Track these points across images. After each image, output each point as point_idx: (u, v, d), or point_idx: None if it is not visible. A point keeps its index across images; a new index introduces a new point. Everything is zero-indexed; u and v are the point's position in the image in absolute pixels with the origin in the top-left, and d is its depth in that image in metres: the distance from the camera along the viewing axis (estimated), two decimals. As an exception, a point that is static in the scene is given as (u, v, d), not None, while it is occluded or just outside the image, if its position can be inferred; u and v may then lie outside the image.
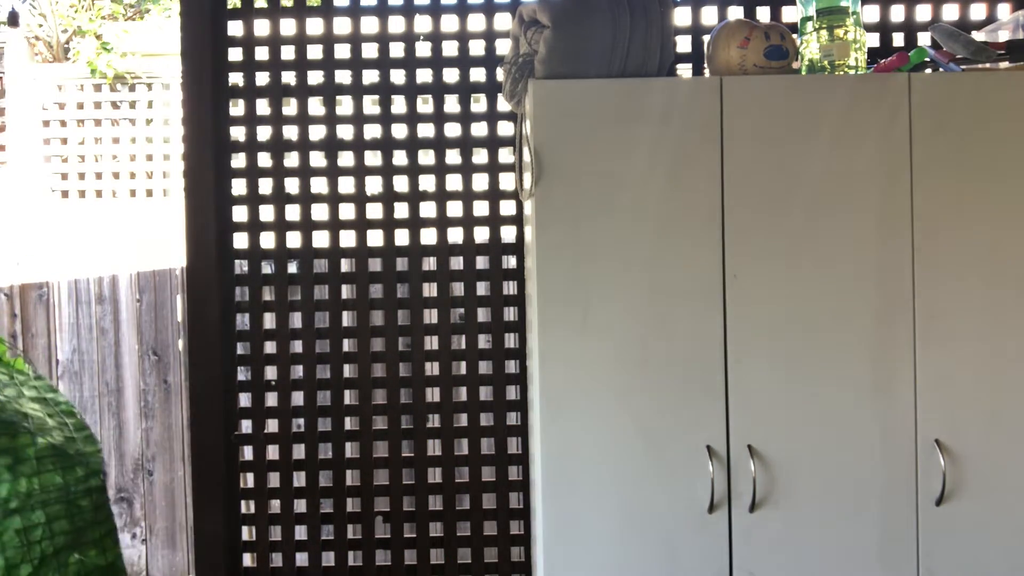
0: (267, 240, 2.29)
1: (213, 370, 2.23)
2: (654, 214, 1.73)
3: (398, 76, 2.31)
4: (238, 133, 2.29)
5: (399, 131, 2.29)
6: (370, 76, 2.30)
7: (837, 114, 1.75)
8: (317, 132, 2.29)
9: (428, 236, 2.29)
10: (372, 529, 2.28)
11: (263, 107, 2.29)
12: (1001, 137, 1.76)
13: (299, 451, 2.29)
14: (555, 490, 1.73)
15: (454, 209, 2.29)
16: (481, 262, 2.29)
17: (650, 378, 1.73)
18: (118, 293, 3.47)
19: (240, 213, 2.29)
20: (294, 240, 2.29)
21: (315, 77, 2.30)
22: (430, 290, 2.29)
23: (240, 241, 2.29)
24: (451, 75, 2.32)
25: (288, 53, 2.28)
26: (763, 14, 2.29)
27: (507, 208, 2.30)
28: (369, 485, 2.28)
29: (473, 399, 2.27)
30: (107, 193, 4.90)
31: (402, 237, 2.28)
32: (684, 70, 2.34)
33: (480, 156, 2.31)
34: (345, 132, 2.29)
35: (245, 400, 2.35)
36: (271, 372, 2.31)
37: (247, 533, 2.35)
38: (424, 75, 2.31)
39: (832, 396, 1.74)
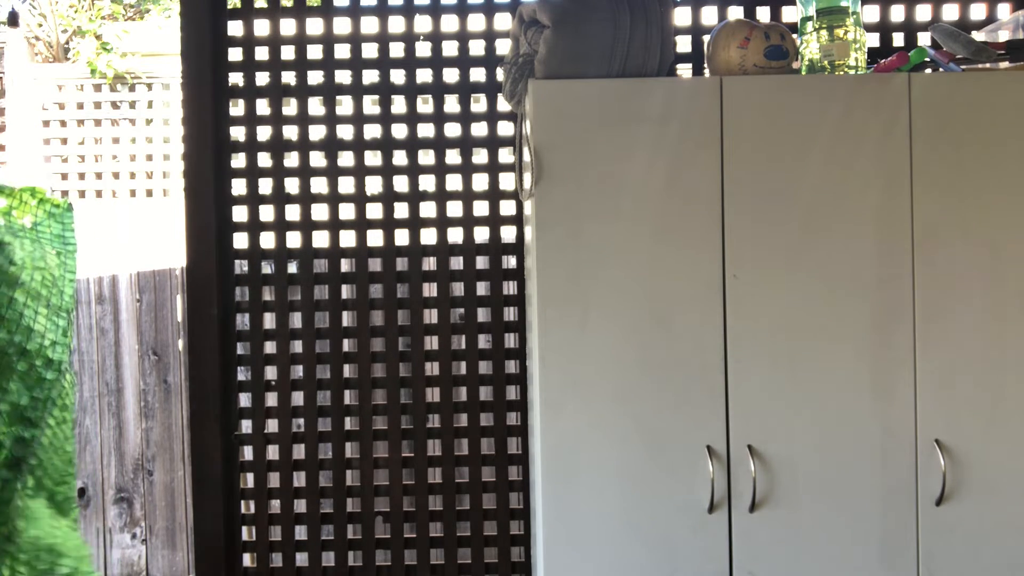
0: (267, 240, 2.30)
1: (213, 370, 2.23)
2: (654, 214, 1.73)
3: (398, 76, 2.30)
4: (238, 133, 2.29)
5: (399, 131, 2.29)
6: (370, 76, 2.30)
7: (837, 114, 1.75)
8: (317, 132, 2.29)
9: (428, 236, 2.29)
10: (372, 529, 2.28)
11: (263, 107, 2.29)
12: (1001, 137, 1.76)
13: (299, 451, 2.29)
14: (555, 490, 1.73)
15: (454, 209, 2.29)
16: (481, 262, 2.28)
17: (650, 378, 1.73)
18: (118, 293, 3.47)
19: (240, 213, 2.29)
20: (294, 240, 2.29)
21: (315, 77, 2.30)
22: (430, 290, 2.29)
23: (240, 241, 2.29)
24: (451, 75, 2.32)
25: (288, 53, 2.28)
26: (763, 14, 2.29)
27: (507, 208, 2.30)
28: (369, 485, 2.28)
29: (473, 399, 2.27)
30: (107, 193, 4.90)
31: (402, 237, 2.28)
32: (684, 70, 2.34)
33: (480, 156, 2.31)
34: (345, 132, 2.29)
35: (245, 400, 2.35)
36: (271, 372, 2.31)
37: (247, 533, 2.35)
38: (424, 75, 2.31)
39: (832, 396, 1.74)
